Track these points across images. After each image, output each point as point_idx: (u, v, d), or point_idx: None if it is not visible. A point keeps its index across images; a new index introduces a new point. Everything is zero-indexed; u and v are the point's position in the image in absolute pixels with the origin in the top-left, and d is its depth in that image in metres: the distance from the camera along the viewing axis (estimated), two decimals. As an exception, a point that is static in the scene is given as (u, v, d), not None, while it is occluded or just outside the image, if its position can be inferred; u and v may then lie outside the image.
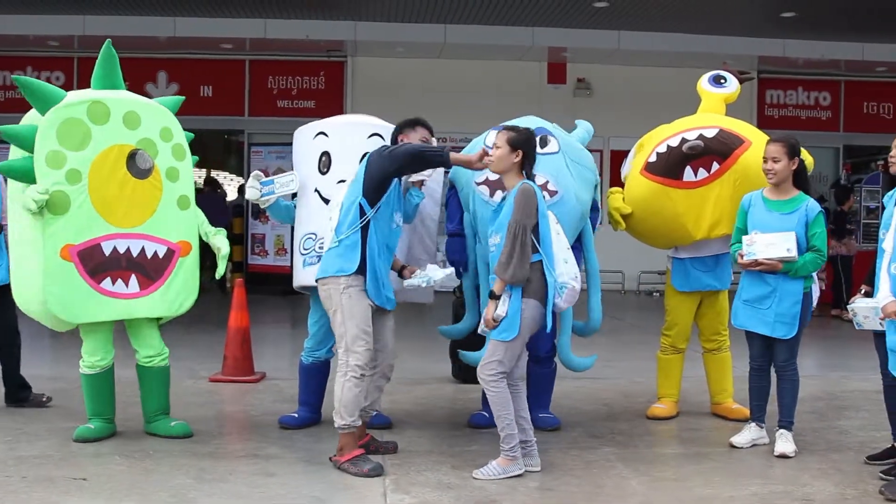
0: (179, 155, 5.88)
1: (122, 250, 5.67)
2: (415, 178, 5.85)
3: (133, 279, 5.70)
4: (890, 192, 5.52)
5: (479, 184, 5.86)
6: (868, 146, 17.82)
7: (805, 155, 5.96)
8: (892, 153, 5.37)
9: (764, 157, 5.69)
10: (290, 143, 6.32)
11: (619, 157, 16.71)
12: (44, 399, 6.74)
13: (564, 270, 5.18)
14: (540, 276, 5.08)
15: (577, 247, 6.08)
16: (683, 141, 6.19)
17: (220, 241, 5.98)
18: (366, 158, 5.31)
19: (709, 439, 5.99)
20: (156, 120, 5.79)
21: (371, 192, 5.18)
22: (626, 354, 9.64)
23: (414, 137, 5.46)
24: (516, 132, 5.25)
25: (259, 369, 8.02)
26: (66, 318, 5.59)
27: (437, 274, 5.43)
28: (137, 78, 15.10)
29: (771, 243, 5.57)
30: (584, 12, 14.17)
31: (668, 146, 6.26)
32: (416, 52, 16.06)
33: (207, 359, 8.38)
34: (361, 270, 5.14)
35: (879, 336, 5.37)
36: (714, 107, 6.67)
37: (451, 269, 5.63)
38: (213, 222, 6.19)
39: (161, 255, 5.76)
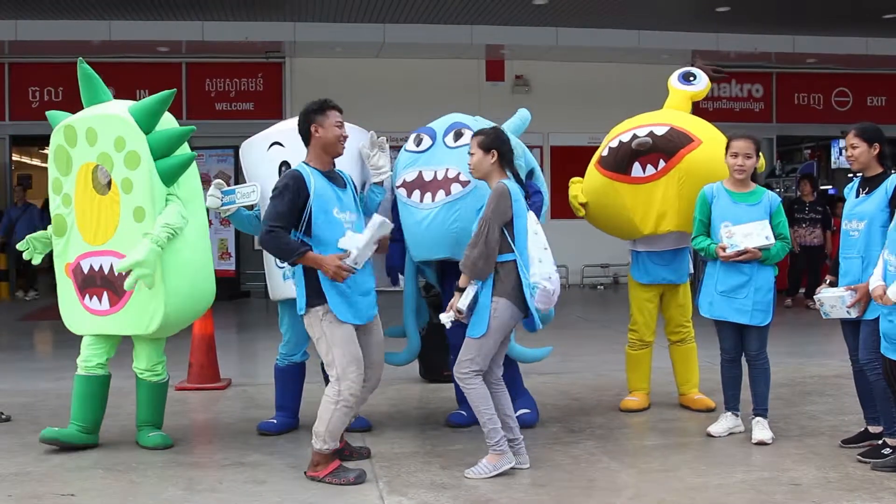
0: (132, 163, 5.52)
1: (96, 268, 5.64)
2: (375, 178, 5.89)
3: (105, 296, 5.65)
4: (849, 185, 5.72)
5: (397, 187, 5.92)
6: (800, 136, 18.30)
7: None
8: (847, 152, 5.55)
9: (734, 153, 5.81)
10: (231, 147, 6.28)
11: (558, 153, 17.11)
12: (2, 416, 6.58)
13: (538, 270, 5.16)
14: (514, 276, 5.09)
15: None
16: (634, 137, 6.33)
17: (135, 250, 5.47)
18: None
19: (685, 430, 6.10)
20: (110, 131, 5.56)
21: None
22: (584, 349, 9.75)
23: (327, 124, 5.08)
24: (485, 134, 5.28)
25: (223, 376, 7.94)
26: (73, 330, 5.83)
27: (352, 248, 4.98)
28: (72, 83, 14.76)
29: (748, 233, 5.72)
30: (523, 9, 14.26)
31: (620, 141, 6.39)
32: (356, 52, 16.02)
33: (171, 367, 8.19)
34: (325, 300, 4.94)
35: (847, 324, 5.53)
36: (679, 104, 6.77)
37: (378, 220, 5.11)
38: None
39: (124, 271, 5.49)
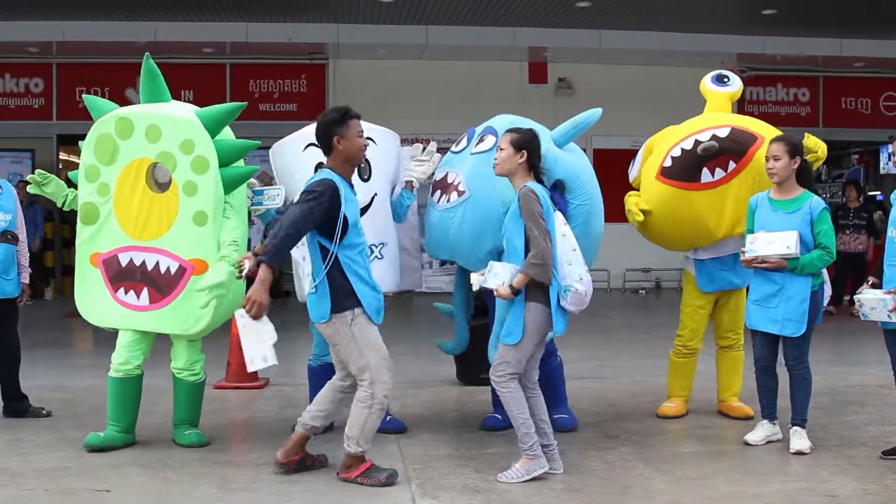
0: (200, 168, 5.62)
1: (137, 262, 5.68)
2: (406, 177, 5.97)
3: (145, 292, 5.69)
4: (896, 192, 5.61)
5: (432, 182, 6.04)
6: (847, 141, 18.04)
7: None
8: (895, 158, 5.44)
9: (766, 156, 5.73)
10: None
11: (601, 156, 17.02)
12: (42, 412, 6.68)
13: (568, 273, 5.12)
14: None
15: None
16: (697, 143, 6.19)
17: (214, 271, 5.57)
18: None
19: (723, 437, 6.03)
20: (177, 132, 5.66)
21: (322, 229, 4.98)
22: (623, 354, 9.69)
23: (349, 135, 5.05)
24: (519, 133, 5.27)
25: (262, 375, 7.98)
26: (91, 321, 5.88)
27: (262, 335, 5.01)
28: (118, 83, 15.01)
29: (771, 241, 5.61)
30: (566, 12, 14.21)
31: (682, 149, 6.25)
32: (398, 54, 16.05)
33: (209, 365, 8.26)
34: (357, 302, 4.95)
35: (891, 333, 5.43)
36: (721, 106, 6.69)
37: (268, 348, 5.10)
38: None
39: (173, 271, 5.66)
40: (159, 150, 5.66)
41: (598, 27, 15.15)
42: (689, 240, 6.54)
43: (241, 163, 5.92)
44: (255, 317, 4.79)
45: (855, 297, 5.53)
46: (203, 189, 5.64)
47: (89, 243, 5.79)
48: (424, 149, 6.14)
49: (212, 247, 5.66)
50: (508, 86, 16.47)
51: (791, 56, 16.04)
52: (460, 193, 5.80)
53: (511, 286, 5.04)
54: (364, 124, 6.01)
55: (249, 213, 6.04)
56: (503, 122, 6.00)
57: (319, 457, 5.41)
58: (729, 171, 6.17)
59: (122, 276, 5.70)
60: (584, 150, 17.82)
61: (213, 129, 5.69)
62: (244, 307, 4.78)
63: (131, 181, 5.69)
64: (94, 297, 5.79)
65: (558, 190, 5.58)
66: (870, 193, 16.86)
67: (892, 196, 5.69)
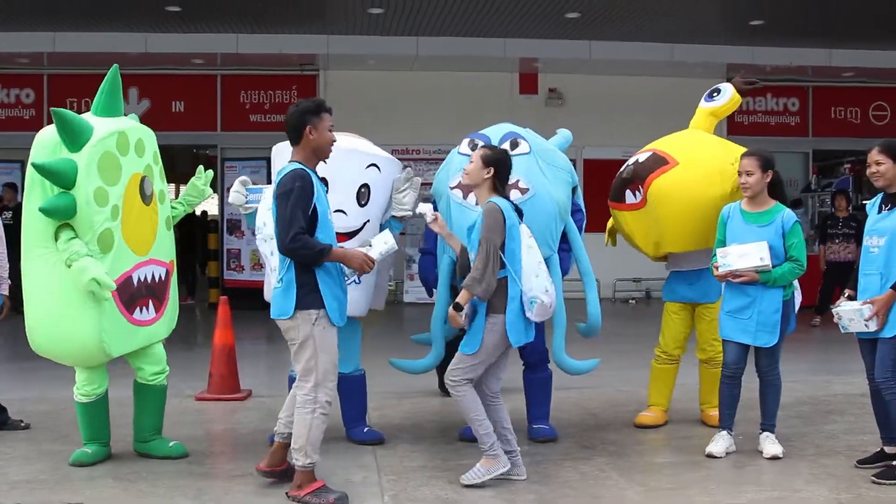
0: (163, 176, 5.94)
1: (142, 278, 5.63)
2: (397, 213, 5.99)
3: (150, 304, 5.71)
4: (871, 202, 5.64)
5: (452, 188, 5.95)
6: (837, 150, 18.06)
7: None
8: (871, 169, 5.48)
9: (738, 171, 5.81)
10: (264, 158, 6.31)
11: (592, 167, 17.02)
12: (21, 424, 6.67)
13: (535, 285, 5.17)
14: (503, 292, 5.14)
15: (565, 247, 6.18)
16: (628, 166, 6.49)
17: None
18: (273, 193, 4.96)
19: (700, 447, 5.99)
20: (151, 144, 5.80)
21: None
22: (608, 363, 9.54)
23: (321, 127, 5.01)
24: (492, 150, 5.36)
25: (244, 386, 7.98)
26: (114, 353, 5.44)
27: (379, 245, 5.16)
28: (109, 94, 15.01)
29: (743, 254, 5.66)
30: (556, 23, 14.25)
31: (619, 171, 6.56)
32: (389, 65, 16.09)
33: (191, 377, 8.32)
34: (321, 302, 4.89)
35: (865, 342, 5.46)
36: (700, 121, 6.85)
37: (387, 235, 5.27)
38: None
39: (162, 277, 5.80)
40: (145, 164, 5.69)
41: (587, 38, 15.19)
42: (644, 251, 6.74)
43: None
44: (369, 269, 5.02)
45: (833, 310, 5.56)
46: (166, 196, 5.96)
47: (110, 275, 5.27)
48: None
49: (173, 245, 6.02)
50: (499, 96, 16.50)
51: (781, 66, 16.08)
52: (524, 191, 5.83)
53: (457, 303, 5.08)
54: (371, 148, 6.06)
55: (233, 221, 6.05)
56: (524, 131, 6.14)
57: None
58: (642, 195, 6.34)
59: (136, 295, 5.56)
60: (575, 161, 17.96)
61: None
62: (361, 273, 5.06)
63: (130, 198, 5.50)
64: (115, 329, 5.40)
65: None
66: (863, 202, 16.85)
67: (867, 206, 5.73)
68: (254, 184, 6.28)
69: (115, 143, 5.41)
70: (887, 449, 5.46)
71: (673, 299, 6.71)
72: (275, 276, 5.07)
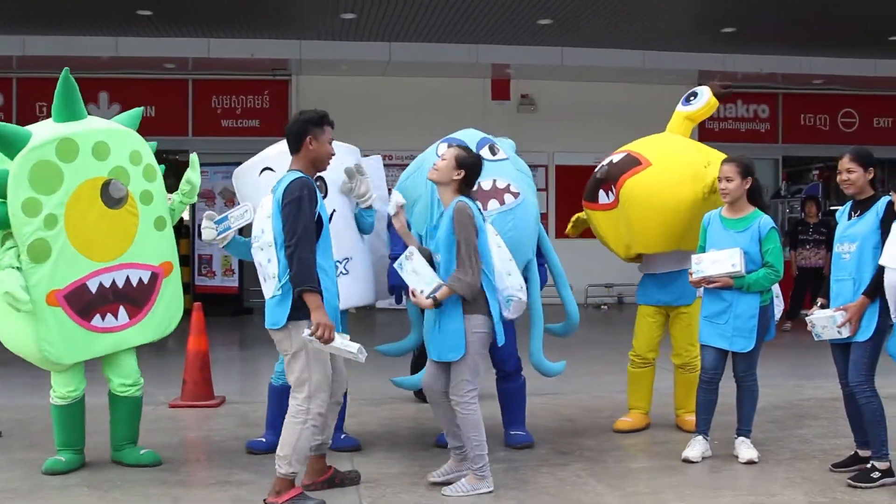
0: (150, 176, 5.74)
1: (107, 284, 5.55)
2: (363, 205, 5.92)
3: (122, 310, 5.62)
4: (841, 209, 5.71)
5: None
6: (806, 157, 18.23)
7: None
8: (841, 176, 5.54)
9: (718, 177, 5.85)
10: (236, 163, 6.28)
11: (564, 172, 17.03)
12: None
13: (509, 283, 5.18)
14: (480, 291, 5.10)
15: (541, 261, 6.20)
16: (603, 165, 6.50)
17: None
18: (277, 200, 4.90)
19: (677, 452, 6.00)
20: (124, 145, 5.66)
21: None
22: (583, 369, 9.68)
23: (322, 139, 5.04)
24: (467, 153, 5.30)
25: (217, 393, 7.93)
26: (64, 360, 5.47)
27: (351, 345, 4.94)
28: (78, 98, 14.88)
29: (716, 260, 5.73)
30: (528, 29, 14.27)
31: (594, 171, 6.58)
32: (362, 70, 16.05)
33: (165, 384, 8.25)
34: None
35: (837, 347, 5.51)
36: (676, 125, 6.88)
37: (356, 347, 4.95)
38: None
39: (146, 280, 5.70)
40: (112, 166, 5.58)
41: (559, 44, 15.21)
42: (616, 252, 6.78)
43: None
44: (328, 340, 4.74)
45: (806, 318, 5.61)
46: (157, 195, 5.79)
47: (44, 283, 5.32)
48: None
49: (174, 247, 5.95)
50: (471, 102, 16.51)
51: (751, 73, 16.20)
52: (515, 195, 5.87)
53: (434, 297, 5.03)
54: (278, 147, 5.98)
55: (216, 244, 5.94)
56: (483, 134, 6.16)
57: (351, 473, 5.40)
58: (615, 195, 6.38)
59: (94, 303, 5.50)
60: (546, 167, 17.87)
61: None
62: (313, 335, 4.73)
63: (83, 204, 5.44)
64: (62, 337, 5.40)
65: None
66: (832, 209, 17.01)
67: (837, 213, 5.80)
68: (228, 190, 6.24)
69: (53, 150, 5.34)
70: (861, 452, 5.50)
71: (647, 302, 6.74)
72: (272, 285, 4.95)
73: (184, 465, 5.88)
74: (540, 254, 6.26)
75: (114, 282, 5.57)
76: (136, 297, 5.66)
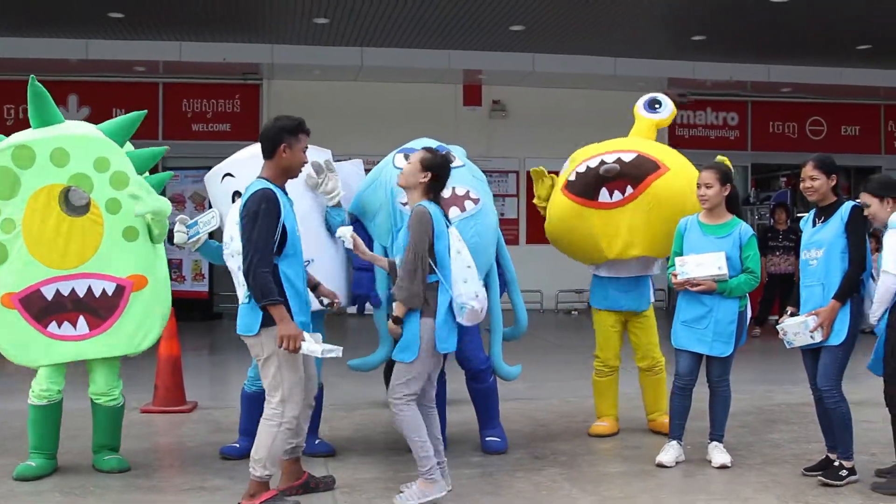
0: (120, 184, 5.55)
1: (65, 292, 5.49)
2: (330, 203, 5.87)
3: (81, 320, 5.53)
4: (805, 217, 5.80)
5: (404, 204, 5.86)
6: (775, 164, 18.40)
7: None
8: (805, 184, 5.61)
9: (697, 184, 5.88)
10: (207, 167, 6.26)
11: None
12: None
13: (464, 290, 5.05)
14: (436, 297, 5.05)
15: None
16: (602, 163, 6.34)
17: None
18: (240, 213, 4.88)
19: (650, 456, 6.04)
20: (88, 152, 5.54)
21: None
22: (554, 374, 9.75)
23: (297, 148, 5.01)
24: (433, 155, 5.24)
25: (189, 398, 7.88)
26: (23, 363, 5.55)
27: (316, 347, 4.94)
28: (48, 101, 14.74)
29: (701, 263, 5.77)
30: (500, 35, 14.31)
31: (588, 167, 6.40)
32: (333, 75, 16.03)
33: (136, 389, 8.15)
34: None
35: (808, 352, 5.58)
36: (644, 131, 6.87)
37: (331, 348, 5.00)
38: None
39: (110, 292, 5.55)
40: (71, 173, 5.49)
41: (531, 51, 15.25)
42: (583, 255, 6.77)
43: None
44: (295, 350, 4.74)
45: (777, 327, 5.67)
46: (123, 204, 5.56)
47: (13, 287, 5.43)
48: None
49: (149, 260, 5.65)
50: (443, 108, 16.51)
51: (721, 81, 16.34)
52: (476, 202, 5.91)
53: (395, 316, 5.02)
54: (242, 153, 5.94)
55: (188, 249, 5.90)
56: (436, 143, 6.09)
57: (326, 478, 5.39)
58: (626, 195, 6.32)
59: (49, 310, 5.47)
60: (518, 172, 17.84)
61: (120, 141, 5.66)
62: (280, 346, 4.73)
63: (41, 211, 5.43)
64: (19, 340, 5.48)
65: None
66: (798, 215, 17.18)
67: (801, 221, 5.89)
68: (199, 195, 6.22)
69: (9, 157, 5.39)
70: (832, 455, 5.56)
71: (608, 307, 6.76)
72: (242, 292, 4.96)
73: (157, 471, 5.85)
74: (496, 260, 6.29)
75: (73, 290, 5.50)
76: (97, 308, 5.54)
